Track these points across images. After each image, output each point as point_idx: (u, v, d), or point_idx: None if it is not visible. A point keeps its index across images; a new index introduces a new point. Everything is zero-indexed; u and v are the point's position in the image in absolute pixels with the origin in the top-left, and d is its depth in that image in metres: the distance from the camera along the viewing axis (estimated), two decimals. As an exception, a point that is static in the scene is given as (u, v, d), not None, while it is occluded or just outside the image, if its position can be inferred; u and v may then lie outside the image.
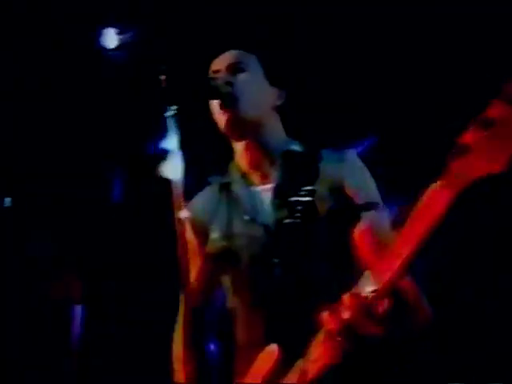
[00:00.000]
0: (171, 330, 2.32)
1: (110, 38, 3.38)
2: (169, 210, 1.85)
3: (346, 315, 1.63)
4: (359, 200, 2.09)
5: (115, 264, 3.08)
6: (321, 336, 1.74)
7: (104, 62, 3.01)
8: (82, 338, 3.01)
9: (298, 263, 2.05)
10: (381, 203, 2.12)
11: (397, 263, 1.61)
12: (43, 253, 3.12)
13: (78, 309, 2.98)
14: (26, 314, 3.07)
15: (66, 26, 3.37)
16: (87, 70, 3.23)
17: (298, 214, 2.07)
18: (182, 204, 1.83)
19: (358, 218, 2.06)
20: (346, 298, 1.65)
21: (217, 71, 2.21)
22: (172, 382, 2.27)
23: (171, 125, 1.88)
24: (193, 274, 2.25)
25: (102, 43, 3.20)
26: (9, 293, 3.07)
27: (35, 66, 3.36)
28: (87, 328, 3.02)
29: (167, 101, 1.90)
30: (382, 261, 1.63)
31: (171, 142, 1.85)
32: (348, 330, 1.63)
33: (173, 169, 1.83)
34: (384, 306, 1.61)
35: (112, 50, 3.20)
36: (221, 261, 2.16)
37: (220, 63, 2.22)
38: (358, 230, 2.05)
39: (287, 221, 2.07)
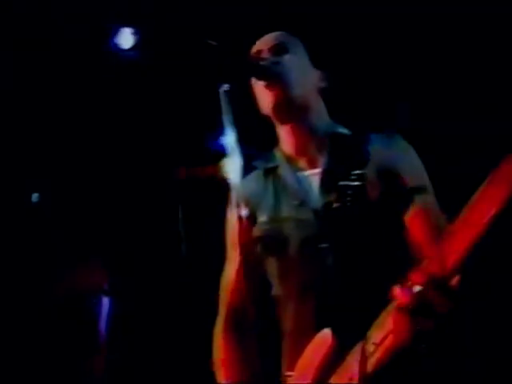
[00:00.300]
0: (206, 327, 2.26)
1: (126, 38, 3.35)
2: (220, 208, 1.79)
3: (417, 289, 1.58)
4: (410, 183, 2.04)
5: (152, 258, 3.02)
6: (388, 315, 1.68)
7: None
8: (110, 332, 2.95)
9: (348, 248, 1.99)
10: (431, 186, 2.08)
11: (463, 244, 1.56)
12: (67, 241, 3.06)
13: (106, 300, 2.93)
14: (50, 306, 3.01)
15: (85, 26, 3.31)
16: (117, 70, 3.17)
17: (348, 199, 2.02)
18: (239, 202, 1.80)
19: (409, 202, 2.02)
20: (415, 274, 1.60)
21: (260, 51, 2.15)
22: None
23: (225, 102, 1.82)
24: (230, 267, 2.20)
25: (118, 42, 3.17)
26: (32, 283, 3.01)
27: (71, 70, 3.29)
28: (115, 321, 2.96)
29: (220, 78, 1.85)
30: (444, 243, 1.58)
31: (229, 135, 1.79)
32: (420, 304, 1.58)
33: (232, 164, 1.77)
34: (455, 281, 1.57)
35: (129, 49, 3.17)
36: (268, 245, 2.11)
37: (263, 45, 2.17)
38: (411, 214, 2.01)
39: (337, 205, 2.02)
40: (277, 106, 2.09)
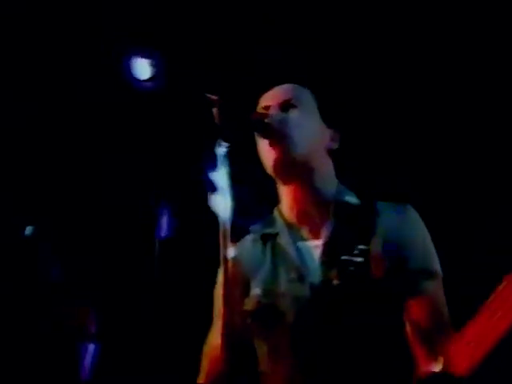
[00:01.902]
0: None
1: (143, 69, 3.23)
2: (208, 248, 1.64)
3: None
4: (418, 265, 1.89)
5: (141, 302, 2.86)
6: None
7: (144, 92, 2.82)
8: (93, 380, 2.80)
9: (346, 331, 1.82)
10: (440, 272, 1.92)
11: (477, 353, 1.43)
12: (57, 279, 2.92)
13: (91, 346, 2.77)
14: (33, 343, 2.87)
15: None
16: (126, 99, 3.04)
17: (349, 276, 1.85)
18: (228, 243, 1.65)
19: (414, 287, 1.87)
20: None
21: (267, 107, 2.01)
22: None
23: (222, 161, 1.68)
24: (213, 337, 2.03)
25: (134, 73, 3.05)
26: (18, 318, 2.87)
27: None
28: (99, 367, 2.80)
29: (220, 136, 1.70)
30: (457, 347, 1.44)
31: (222, 178, 1.65)
32: None
33: (222, 206, 1.63)
34: None
35: (144, 80, 3.04)
36: (260, 321, 1.93)
37: (271, 99, 2.03)
38: (413, 300, 1.86)
39: (337, 282, 1.85)
40: (278, 166, 1.94)
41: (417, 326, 1.85)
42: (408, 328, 1.86)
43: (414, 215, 1.97)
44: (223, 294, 2.01)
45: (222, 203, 1.63)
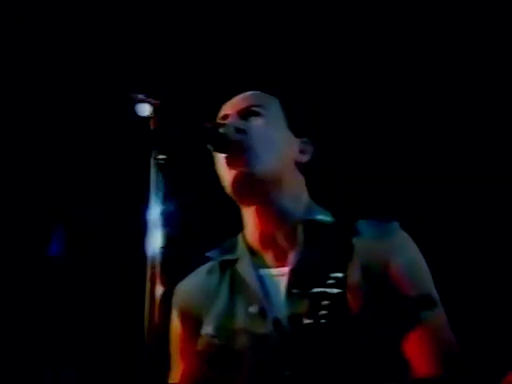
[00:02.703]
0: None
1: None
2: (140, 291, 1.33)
3: None
4: (410, 293, 1.56)
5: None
6: None
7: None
8: None
9: (317, 378, 1.49)
10: (437, 299, 1.60)
11: None
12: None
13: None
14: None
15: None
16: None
17: (323, 311, 1.52)
18: (160, 282, 1.31)
19: (408, 322, 1.55)
20: None
21: (225, 117, 1.71)
22: None
23: (156, 180, 1.36)
24: (175, 376, 1.72)
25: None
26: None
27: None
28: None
29: (154, 147, 1.39)
30: None
31: (154, 198, 1.33)
32: None
33: (152, 238, 1.31)
34: None
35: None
36: (214, 364, 1.61)
37: (230, 107, 1.74)
38: (410, 338, 1.53)
39: (307, 319, 1.53)
40: (236, 185, 1.64)
41: (417, 370, 1.52)
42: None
43: (401, 234, 1.66)
44: (171, 338, 1.73)
45: (152, 232, 1.31)
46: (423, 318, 1.53)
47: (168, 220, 1.32)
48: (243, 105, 1.71)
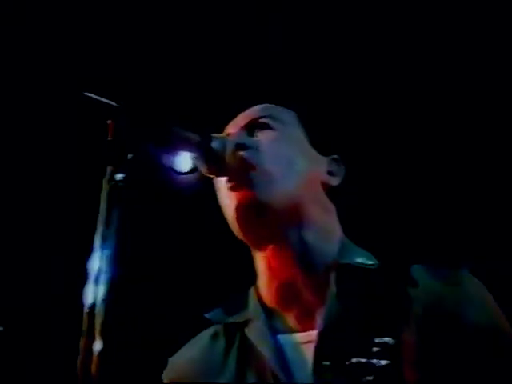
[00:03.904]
0: None
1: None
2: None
3: None
4: (489, 368, 1.10)
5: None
6: None
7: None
8: None
9: None
10: None
11: None
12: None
13: None
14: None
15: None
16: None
17: (365, 392, 1.06)
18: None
19: None
20: None
21: (228, 135, 1.29)
22: None
23: (107, 208, 0.95)
24: None
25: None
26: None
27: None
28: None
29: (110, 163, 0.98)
30: None
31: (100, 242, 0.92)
32: None
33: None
34: None
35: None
36: None
37: (233, 125, 1.34)
38: None
39: None
40: (240, 215, 1.22)
41: None
42: None
43: (474, 281, 1.20)
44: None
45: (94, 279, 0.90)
46: None
47: (116, 266, 0.90)
48: (249, 118, 1.31)
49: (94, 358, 0.87)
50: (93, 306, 0.89)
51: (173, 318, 1.72)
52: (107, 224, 0.94)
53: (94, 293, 0.90)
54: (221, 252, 1.49)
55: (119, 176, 0.97)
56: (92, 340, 0.88)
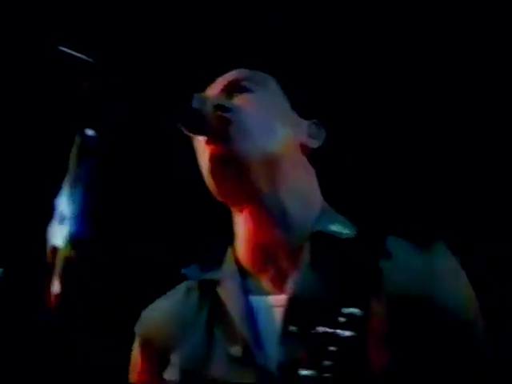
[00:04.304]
0: None
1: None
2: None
3: None
4: (458, 345, 1.12)
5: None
6: None
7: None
8: None
9: None
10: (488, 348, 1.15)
11: None
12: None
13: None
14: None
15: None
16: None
17: (328, 361, 1.06)
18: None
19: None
20: None
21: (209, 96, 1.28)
22: None
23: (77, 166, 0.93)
24: None
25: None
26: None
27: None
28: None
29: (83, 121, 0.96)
30: None
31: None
32: None
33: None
34: None
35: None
36: None
37: (215, 86, 1.32)
38: None
39: (305, 370, 1.07)
40: (215, 166, 1.22)
41: None
42: None
43: (449, 260, 1.21)
44: None
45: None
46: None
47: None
48: (229, 80, 1.31)
49: (53, 300, 0.88)
50: (56, 246, 0.90)
51: (148, 272, 1.73)
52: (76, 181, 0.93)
53: (59, 233, 0.90)
54: (198, 209, 1.48)
55: (90, 132, 0.96)
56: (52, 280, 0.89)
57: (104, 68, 1.00)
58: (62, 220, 0.90)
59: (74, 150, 0.94)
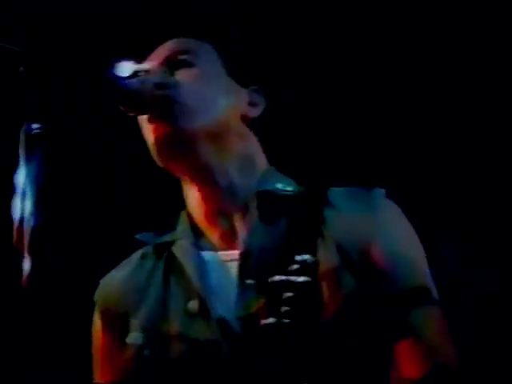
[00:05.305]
0: None
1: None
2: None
3: None
4: (400, 283, 1.19)
5: None
6: None
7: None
8: None
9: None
10: (434, 293, 1.23)
11: None
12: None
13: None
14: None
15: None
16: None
17: (286, 307, 1.16)
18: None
19: (397, 321, 1.18)
20: None
21: (147, 71, 1.30)
22: None
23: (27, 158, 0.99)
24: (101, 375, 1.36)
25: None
26: None
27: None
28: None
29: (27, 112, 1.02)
30: None
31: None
32: None
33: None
34: None
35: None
36: (144, 381, 1.24)
37: (153, 59, 1.36)
38: (400, 345, 1.17)
39: (264, 319, 1.16)
40: (160, 146, 1.27)
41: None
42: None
43: (387, 205, 1.28)
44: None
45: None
46: (414, 319, 1.17)
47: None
48: (166, 54, 1.34)
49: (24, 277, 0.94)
50: (21, 221, 0.95)
51: (105, 241, 1.79)
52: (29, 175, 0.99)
53: (21, 208, 0.95)
54: (152, 179, 1.54)
55: (36, 126, 1.01)
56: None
57: (38, 57, 1.04)
58: (23, 194, 0.95)
59: (22, 143, 0.99)
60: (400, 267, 1.20)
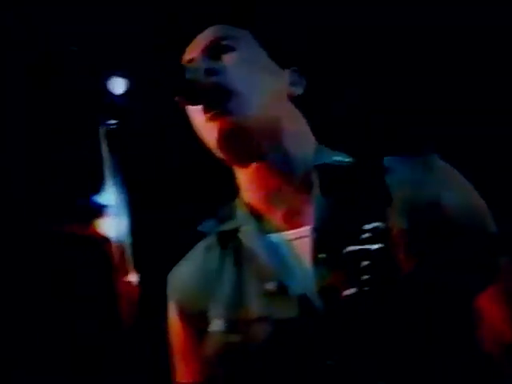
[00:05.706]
0: None
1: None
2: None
3: None
4: (476, 236, 1.23)
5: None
6: None
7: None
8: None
9: (371, 365, 1.15)
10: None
11: None
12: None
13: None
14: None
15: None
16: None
17: (365, 276, 1.17)
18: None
19: (481, 271, 1.21)
20: None
21: (190, 61, 1.34)
22: None
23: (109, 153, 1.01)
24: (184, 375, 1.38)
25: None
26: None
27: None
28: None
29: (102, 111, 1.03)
30: None
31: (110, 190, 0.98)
32: None
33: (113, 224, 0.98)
34: None
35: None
36: (232, 367, 1.26)
37: (193, 49, 1.37)
38: (486, 295, 1.21)
39: (345, 290, 1.18)
40: (225, 142, 1.29)
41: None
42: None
43: (446, 167, 1.30)
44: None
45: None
46: (501, 265, 1.20)
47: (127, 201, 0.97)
48: (208, 41, 1.35)
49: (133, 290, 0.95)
50: (118, 239, 0.96)
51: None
52: (111, 166, 1.00)
53: (115, 226, 0.97)
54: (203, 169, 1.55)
55: (111, 123, 1.03)
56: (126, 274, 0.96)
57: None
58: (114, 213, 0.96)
59: (103, 142, 1.00)
60: (476, 219, 1.23)
